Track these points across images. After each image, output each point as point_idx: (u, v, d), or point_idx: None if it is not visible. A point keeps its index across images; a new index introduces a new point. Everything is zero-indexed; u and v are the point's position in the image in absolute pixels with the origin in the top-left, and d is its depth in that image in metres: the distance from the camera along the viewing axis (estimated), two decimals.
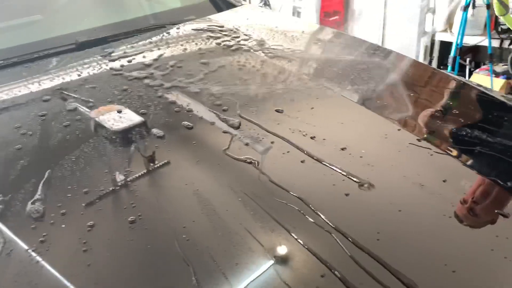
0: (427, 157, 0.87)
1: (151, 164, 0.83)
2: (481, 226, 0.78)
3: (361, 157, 0.86)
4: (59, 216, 0.70)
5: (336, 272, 0.62)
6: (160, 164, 0.83)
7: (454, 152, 0.91)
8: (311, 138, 0.92)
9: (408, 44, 4.43)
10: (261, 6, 4.85)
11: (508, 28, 3.74)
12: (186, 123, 0.95)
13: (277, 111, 1.01)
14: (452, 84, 1.25)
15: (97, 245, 0.66)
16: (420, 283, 0.60)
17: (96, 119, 0.96)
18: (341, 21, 4.94)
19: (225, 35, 1.49)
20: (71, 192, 0.75)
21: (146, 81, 1.13)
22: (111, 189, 0.76)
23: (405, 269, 0.62)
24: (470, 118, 1.05)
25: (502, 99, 1.22)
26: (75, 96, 1.06)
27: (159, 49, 1.36)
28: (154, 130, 0.93)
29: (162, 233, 0.69)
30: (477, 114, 1.11)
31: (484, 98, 1.20)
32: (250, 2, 4.83)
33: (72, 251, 0.65)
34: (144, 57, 1.28)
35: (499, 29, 3.73)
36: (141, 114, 0.98)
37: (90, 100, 1.04)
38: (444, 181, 0.81)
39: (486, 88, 1.26)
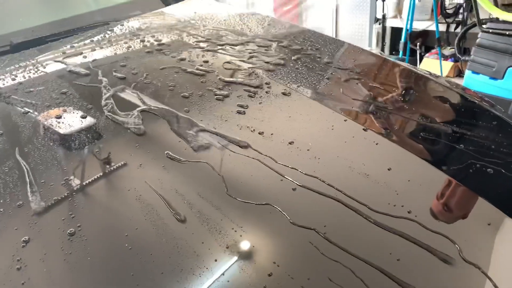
0: (372, 146, 0.88)
1: (91, 171, 0.80)
2: (430, 214, 0.79)
3: (308, 150, 0.86)
4: None
5: (283, 270, 0.61)
6: (101, 170, 0.80)
7: (398, 140, 0.92)
8: (260, 133, 0.91)
9: (360, 31, 4.51)
10: None
11: (454, 12, 3.88)
12: (128, 125, 0.92)
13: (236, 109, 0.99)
14: (398, 71, 1.26)
15: (32, 261, 0.62)
16: (367, 276, 0.61)
17: (34, 125, 0.91)
18: (295, 10, 4.96)
19: (171, 29, 1.45)
20: (3, 206, 0.71)
21: (87, 82, 1.08)
22: (47, 200, 0.72)
23: (352, 262, 0.63)
24: (414, 105, 1.07)
25: (447, 84, 1.25)
26: (9, 101, 1.00)
27: (101, 48, 1.30)
28: (94, 135, 0.89)
29: (103, 243, 0.66)
30: (421, 100, 1.13)
31: (429, 84, 1.23)
32: None
33: (4, 270, 0.61)
34: (84, 57, 1.23)
35: (445, 14, 3.86)
36: (81, 118, 0.93)
37: (25, 105, 0.98)
38: (389, 169, 0.82)
39: (431, 74, 1.29)
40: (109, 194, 0.78)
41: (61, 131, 0.90)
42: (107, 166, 0.81)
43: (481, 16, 3.07)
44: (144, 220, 0.69)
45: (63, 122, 0.92)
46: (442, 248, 0.66)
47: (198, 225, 0.68)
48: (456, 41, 3.51)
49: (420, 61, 4.21)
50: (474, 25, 3.24)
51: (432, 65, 3.99)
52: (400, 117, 1.00)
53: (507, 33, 2.78)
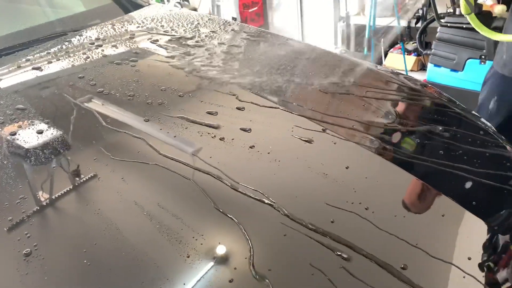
0: (330, 146, 0.90)
1: (48, 186, 0.78)
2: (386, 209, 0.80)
3: (268, 153, 0.87)
4: None
5: (244, 276, 0.62)
6: (58, 185, 0.78)
7: (356, 138, 0.94)
8: (220, 139, 0.91)
9: (325, 29, 4.57)
10: (179, 2, 4.76)
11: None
12: (87, 138, 0.90)
13: (180, 117, 0.99)
14: (354, 68, 1.29)
15: None
16: (329, 275, 0.62)
17: None
18: (260, 12, 4.98)
19: (129, 38, 1.44)
20: None
21: (44, 96, 1.06)
22: (1, 221, 0.70)
23: (316, 262, 0.64)
24: (373, 103, 1.09)
25: (405, 80, 1.28)
26: None
27: (58, 60, 1.28)
28: (51, 150, 0.87)
29: (61, 261, 0.65)
30: (379, 98, 1.16)
31: (387, 81, 1.26)
32: None
33: None
34: (41, 70, 1.20)
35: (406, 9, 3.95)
36: (37, 134, 0.91)
37: None
38: (346, 167, 0.84)
39: (391, 71, 1.32)
40: (67, 209, 0.76)
41: (18, 146, 0.88)
42: (65, 181, 0.80)
43: (439, 11, 3.17)
44: (103, 235, 0.68)
45: (17, 139, 0.90)
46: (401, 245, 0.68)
47: (158, 236, 0.68)
48: (417, 36, 3.60)
49: (385, 56, 4.30)
50: (433, 20, 3.33)
51: (396, 60, 4.08)
52: (358, 115, 1.02)
53: (463, 26, 2.87)
